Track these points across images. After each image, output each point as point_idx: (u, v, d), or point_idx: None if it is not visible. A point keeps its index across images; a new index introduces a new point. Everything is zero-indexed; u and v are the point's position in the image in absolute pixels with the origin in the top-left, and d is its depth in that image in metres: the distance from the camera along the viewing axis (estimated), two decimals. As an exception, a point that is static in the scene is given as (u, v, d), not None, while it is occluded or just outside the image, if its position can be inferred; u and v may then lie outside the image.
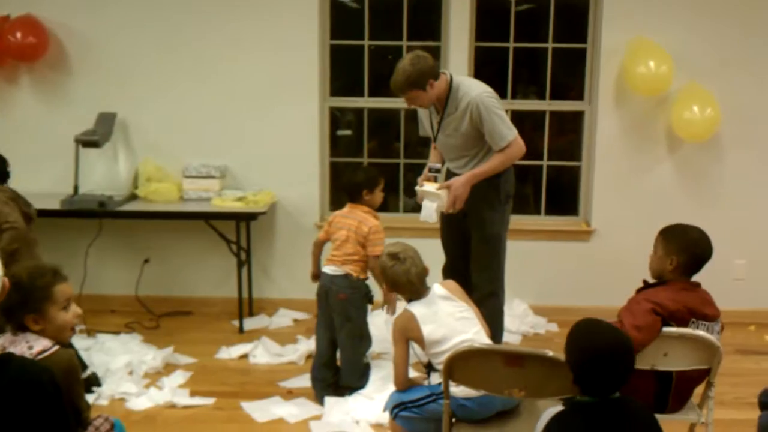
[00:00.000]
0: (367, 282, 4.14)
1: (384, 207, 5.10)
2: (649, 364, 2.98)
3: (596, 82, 5.37)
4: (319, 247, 4.30)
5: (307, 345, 4.79)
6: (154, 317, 5.34)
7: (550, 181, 5.61)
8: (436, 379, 3.40)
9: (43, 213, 5.02)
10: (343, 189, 4.34)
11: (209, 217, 5.14)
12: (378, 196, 4.22)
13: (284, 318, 5.38)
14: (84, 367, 4.16)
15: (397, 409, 3.14)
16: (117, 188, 5.32)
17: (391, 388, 3.86)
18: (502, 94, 4.18)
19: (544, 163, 5.56)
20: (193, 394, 4.21)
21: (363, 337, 4.16)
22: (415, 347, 3.26)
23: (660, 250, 3.17)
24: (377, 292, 4.19)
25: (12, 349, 2.43)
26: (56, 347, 2.52)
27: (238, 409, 4.06)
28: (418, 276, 3.26)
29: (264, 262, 5.56)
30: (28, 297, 2.51)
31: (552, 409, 2.31)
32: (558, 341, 4.94)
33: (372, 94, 5.56)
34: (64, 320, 2.59)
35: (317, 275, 4.25)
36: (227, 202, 5.13)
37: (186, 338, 4.99)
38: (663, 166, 5.39)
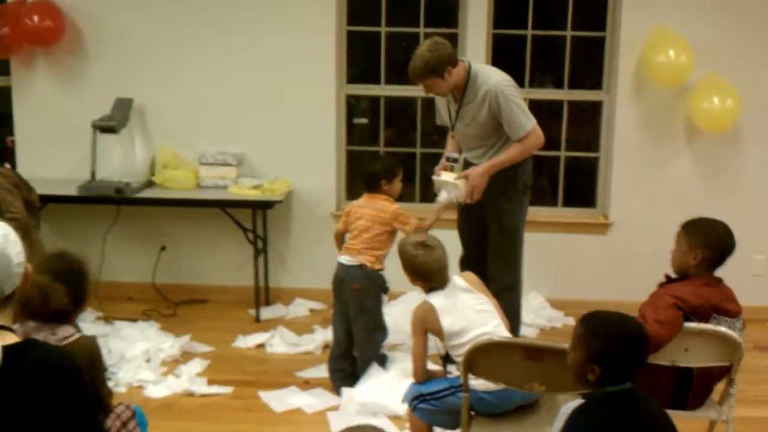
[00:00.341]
0: (382, 272, 4.12)
1: (400, 196, 5.10)
2: (669, 359, 2.96)
3: (615, 71, 5.32)
4: (340, 238, 4.28)
5: (324, 335, 4.79)
6: (171, 305, 5.35)
7: (567, 172, 5.57)
8: (453, 371, 3.40)
9: (60, 199, 5.07)
10: (361, 178, 4.32)
11: (226, 205, 5.14)
12: (396, 186, 4.21)
13: (300, 308, 5.37)
14: None
15: (416, 401, 3.13)
16: (134, 175, 5.32)
17: (409, 379, 3.89)
18: (519, 83, 4.15)
19: (562, 153, 5.52)
20: (210, 382, 4.22)
21: (378, 328, 4.15)
22: (433, 339, 3.24)
23: (683, 245, 3.14)
24: (394, 282, 4.18)
25: (35, 336, 2.45)
26: (79, 334, 2.54)
27: (255, 399, 4.07)
28: (446, 263, 3.25)
29: (280, 250, 5.55)
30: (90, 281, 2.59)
31: (571, 403, 2.30)
32: (575, 334, 4.93)
33: (388, 81, 5.53)
34: None
35: None
36: (244, 190, 5.13)
37: (203, 326, 5.00)
38: (682, 157, 5.34)
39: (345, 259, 4.11)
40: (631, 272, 5.24)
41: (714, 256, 3.07)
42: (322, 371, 4.32)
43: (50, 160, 5.39)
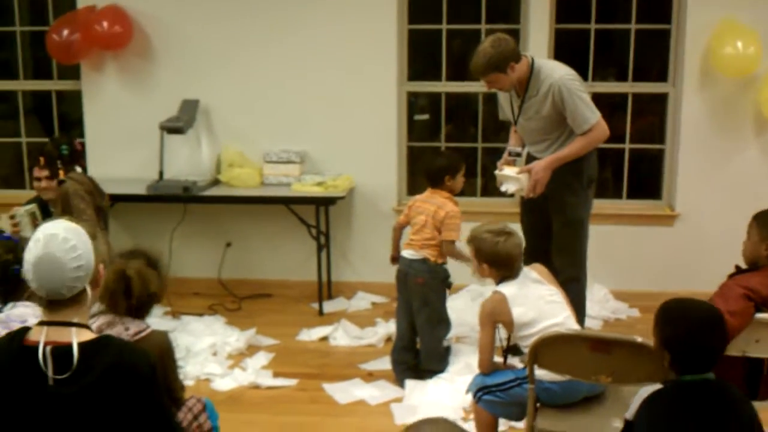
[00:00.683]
0: (446, 266, 4.13)
1: (461, 191, 5.10)
2: (740, 350, 2.92)
3: (681, 63, 5.23)
4: (398, 231, 4.31)
5: (386, 328, 4.82)
6: (236, 299, 5.45)
7: (631, 164, 5.50)
8: (516, 363, 3.40)
9: (130, 198, 5.22)
10: (425, 174, 4.33)
11: (289, 202, 5.22)
12: (459, 181, 4.21)
13: (362, 301, 5.42)
14: None
15: (480, 392, 3.13)
16: (200, 174, 5.44)
17: (473, 372, 3.90)
18: (583, 77, 4.12)
19: (626, 146, 5.46)
20: (275, 375, 4.29)
21: (441, 321, 4.16)
22: (498, 331, 3.23)
23: (755, 236, 3.09)
24: (457, 275, 4.19)
25: (109, 331, 2.51)
26: (151, 328, 2.60)
27: (320, 391, 4.13)
28: (523, 251, 3.23)
29: (342, 245, 5.61)
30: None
31: (649, 387, 2.29)
32: (640, 327, 4.88)
33: (449, 78, 5.53)
34: None
35: (396, 258, 4.27)
36: (307, 187, 5.20)
37: (267, 320, 5.08)
38: (750, 148, 5.23)
39: (408, 253, 4.13)
40: (698, 264, 5.16)
41: (786, 246, 3.01)
42: (384, 363, 4.35)
43: (120, 160, 5.55)
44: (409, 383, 4.05)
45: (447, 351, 4.24)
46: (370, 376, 4.28)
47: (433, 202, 4.12)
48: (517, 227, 4.31)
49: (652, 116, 5.61)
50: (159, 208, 5.43)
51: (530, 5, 5.25)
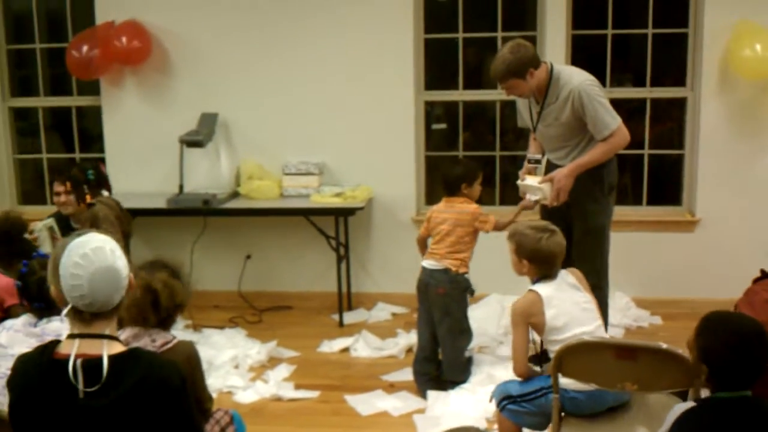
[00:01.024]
0: (467, 276, 4.12)
1: (480, 200, 5.08)
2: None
3: (699, 67, 5.21)
4: (422, 243, 4.30)
5: (407, 339, 4.81)
6: (256, 312, 5.47)
7: (651, 170, 5.47)
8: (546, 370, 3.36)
9: (150, 212, 5.25)
10: (442, 182, 4.33)
11: (308, 213, 5.23)
12: (476, 189, 4.20)
13: (383, 312, 5.42)
14: None
15: (504, 401, 3.10)
16: (220, 186, 5.47)
17: (495, 382, 3.87)
18: (600, 83, 4.11)
19: (646, 152, 5.43)
20: (297, 387, 4.29)
21: (463, 332, 4.15)
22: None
23: (778, 240, 3.06)
24: (478, 285, 4.18)
25: (135, 344, 2.51)
26: (177, 339, 2.61)
27: (342, 402, 4.12)
28: (565, 250, 3.18)
29: (362, 256, 5.61)
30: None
31: (683, 404, 2.24)
32: (663, 334, 4.84)
33: (466, 86, 5.54)
34: None
35: None
36: (326, 198, 5.21)
37: (288, 332, 5.09)
38: (771, 152, 5.20)
39: (429, 263, 4.12)
40: (720, 270, 5.13)
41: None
42: (406, 374, 4.34)
43: (140, 174, 5.59)
44: (432, 394, 4.04)
45: (469, 361, 4.22)
46: (391, 388, 4.26)
47: (451, 210, 4.12)
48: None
49: (671, 121, 5.58)
50: (179, 221, 5.46)
51: (546, 12, 5.25)
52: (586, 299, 3.14)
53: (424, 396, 4.08)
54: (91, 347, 1.97)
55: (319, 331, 5.11)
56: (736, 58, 4.99)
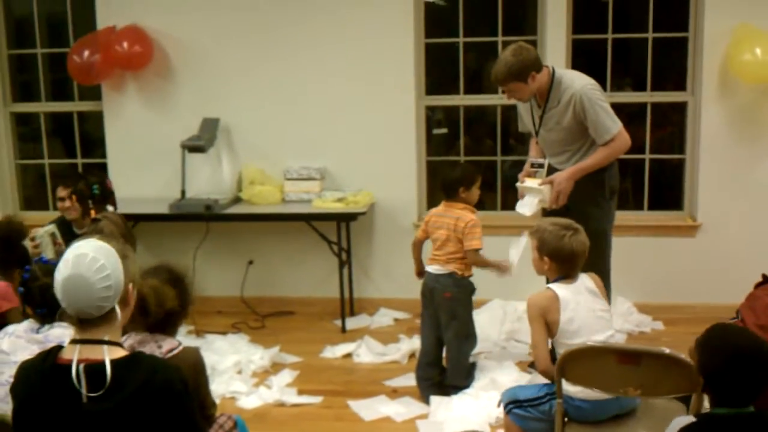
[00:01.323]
0: (472, 279, 4.13)
1: (481, 205, 5.09)
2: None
3: (699, 71, 5.22)
4: (418, 246, 4.30)
5: (410, 344, 4.81)
6: (259, 317, 5.47)
7: (652, 175, 5.47)
8: (537, 377, 3.35)
9: (152, 217, 5.26)
10: (441, 186, 4.33)
11: (310, 219, 5.24)
12: (475, 193, 4.19)
13: (385, 317, 5.42)
14: None
15: (511, 405, 3.11)
16: (222, 192, 5.47)
17: (498, 387, 3.89)
18: (601, 87, 4.14)
19: (647, 156, 5.44)
20: (300, 392, 4.29)
21: (469, 336, 4.15)
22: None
23: (779, 245, 3.06)
24: (482, 290, 4.18)
25: (141, 349, 2.51)
26: (182, 345, 2.61)
27: (345, 408, 4.12)
28: (587, 251, 3.13)
29: (363, 261, 5.62)
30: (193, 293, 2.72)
31: (682, 418, 2.22)
32: (665, 339, 4.85)
33: (467, 91, 5.55)
34: None
35: (422, 272, 4.26)
36: (327, 203, 5.21)
37: (291, 338, 5.09)
38: (771, 156, 5.21)
39: (434, 268, 4.12)
40: (722, 274, 5.13)
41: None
42: (409, 380, 4.34)
43: (141, 180, 5.59)
44: (435, 399, 4.04)
45: (473, 366, 4.22)
46: (394, 393, 4.26)
47: (450, 215, 4.11)
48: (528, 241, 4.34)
49: (672, 126, 5.59)
50: (181, 227, 5.47)
51: (547, 16, 5.26)
52: (603, 307, 3.11)
53: (427, 401, 4.08)
54: (93, 352, 1.97)
55: (322, 336, 5.12)
56: (736, 63, 5.00)
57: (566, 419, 2.98)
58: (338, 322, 5.30)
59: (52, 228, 4.21)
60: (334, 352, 4.84)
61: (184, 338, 4.91)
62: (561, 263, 3.09)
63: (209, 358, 4.58)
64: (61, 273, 1.98)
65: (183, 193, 5.32)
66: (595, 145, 3.99)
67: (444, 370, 4.20)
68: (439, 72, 5.70)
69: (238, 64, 5.49)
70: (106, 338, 2.00)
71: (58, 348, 2.03)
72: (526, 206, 4.11)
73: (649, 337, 4.98)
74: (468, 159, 5.59)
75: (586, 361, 2.82)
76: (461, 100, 5.58)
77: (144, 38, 5.46)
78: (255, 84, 5.50)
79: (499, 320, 5.01)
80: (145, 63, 5.49)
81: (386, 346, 4.88)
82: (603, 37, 5.37)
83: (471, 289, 4.12)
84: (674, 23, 5.32)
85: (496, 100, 5.45)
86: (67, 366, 1.95)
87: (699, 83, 5.22)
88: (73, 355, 1.96)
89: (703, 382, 2.22)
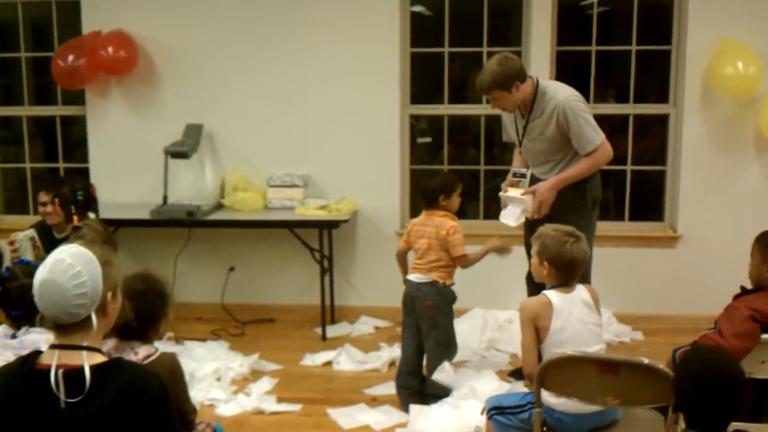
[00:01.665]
0: (453, 287, 4.13)
1: (464, 214, 5.10)
2: (746, 372, 2.88)
3: (681, 84, 5.27)
4: (402, 257, 4.30)
5: (390, 352, 4.81)
6: (239, 324, 5.45)
7: (633, 186, 5.51)
8: (520, 387, 3.36)
9: (134, 223, 5.23)
10: (421, 195, 4.34)
11: (293, 226, 5.22)
12: (455, 201, 4.19)
13: (366, 325, 5.42)
14: None
15: (494, 411, 3.11)
16: (204, 198, 5.46)
17: (478, 396, 3.89)
18: (584, 98, 4.17)
19: (628, 167, 5.48)
20: (280, 400, 4.27)
21: (450, 345, 4.15)
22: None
23: (757, 258, 3.09)
24: (463, 299, 4.19)
25: (116, 356, 2.50)
26: (159, 352, 2.60)
27: (324, 416, 4.10)
28: (588, 260, 3.13)
29: (345, 269, 5.61)
30: (168, 302, 2.69)
31: None
32: (644, 350, 4.87)
33: (451, 101, 5.57)
34: None
35: None
36: (310, 211, 5.21)
37: (270, 345, 5.07)
38: (751, 169, 5.26)
39: (415, 276, 4.12)
40: (701, 285, 5.17)
41: (786, 267, 3.00)
42: (389, 388, 4.33)
43: (124, 185, 5.56)
44: (414, 408, 4.02)
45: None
46: (374, 401, 4.26)
47: (431, 224, 4.11)
48: (520, 249, 4.36)
49: (654, 138, 5.63)
50: (163, 232, 5.44)
51: (531, 28, 5.29)
52: (595, 320, 3.11)
53: (406, 410, 4.07)
54: (72, 358, 1.96)
55: (302, 344, 5.10)
56: (718, 76, 5.06)
57: (545, 429, 2.98)
58: (319, 330, 5.28)
59: (31, 232, 4.18)
60: (314, 359, 4.83)
61: (163, 344, 4.89)
62: (560, 270, 3.09)
63: (188, 365, 4.56)
64: (38, 277, 1.97)
65: (165, 198, 5.30)
66: (577, 155, 4.01)
67: (424, 379, 4.19)
68: (424, 81, 5.72)
69: (223, 70, 5.49)
70: (85, 344, 1.99)
71: (37, 353, 2.02)
72: (510, 216, 4.13)
73: (629, 347, 5.01)
74: (451, 168, 5.60)
75: (565, 370, 2.83)
76: (446, 109, 5.60)
77: (129, 43, 5.44)
78: (239, 91, 5.49)
79: (479, 329, 5.02)
80: (129, 68, 5.48)
81: (367, 354, 4.88)
82: (587, 49, 5.41)
83: (452, 298, 4.12)
84: (657, 36, 5.37)
85: (480, 110, 5.48)
86: (46, 371, 1.93)
87: (681, 96, 5.27)
88: (52, 360, 1.94)
89: (676, 402, 2.23)
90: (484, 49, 5.43)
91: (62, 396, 1.91)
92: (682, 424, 2.25)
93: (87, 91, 5.64)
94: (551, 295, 3.06)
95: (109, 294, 2.05)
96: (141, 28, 5.47)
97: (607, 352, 4.79)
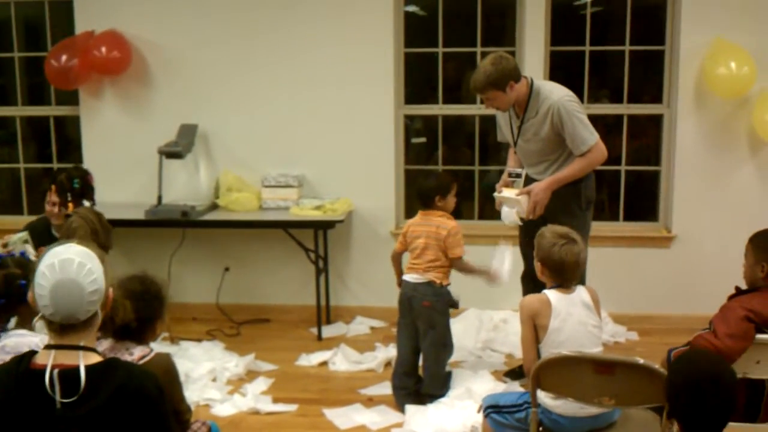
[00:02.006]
0: (450, 288, 4.13)
1: (459, 214, 5.10)
2: (741, 372, 2.90)
3: (675, 84, 5.28)
4: (397, 258, 4.30)
5: (386, 352, 4.81)
6: (234, 325, 5.44)
7: (627, 186, 5.52)
8: (516, 386, 3.36)
9: (128, 223, 5.21)
10: (417, 195, 4.34)
11: (288, 226, 5.22)
12: (451, 201, 4.20)
13: (361, 326, 5.42)
14: None
15: (490, 410, 3.12)
16: (199, 198, 5.45)
17: (474, 397, 3.90)
18: (578, 98, 4.19)
19: (623, 168, 5.49)
20: (275, 400, 4.27)
21: (446, 345, 4.16)
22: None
23: (750, 258, 3.10)
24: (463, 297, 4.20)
25: (111, 356, 2.50)
26: (154, 352, 2.60)
27: (320, 416, 4.10)
28: (583, 262, 3.14)
29: (340, 269, 5.61)
30: (165, 304, 2.68)
31: None
32: (640, 350, 4.88)
33: (445, 101, 5.57)
34: None
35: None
36: (305, 211, 5.20)
37: (266, 345, 5.07)
38: (745, 168, 5.27)
39: (412, 277, 4.12)
40: (696, 285, 5.19)
41: (780, 267, 3.01)
42: (385, 388, 4.33)
43: (118, 185, 5.54)
44: (410, 408, 4.03)
45: (449, 376, 4.23)
46: (370, 401, 4.26)
47: (429, 224, 4.12)
48: (516, 250, 4.37)
49: (648, 138, 5.64)
50: (157, 233, 5.43)
51: (525, 28, 5.29)
52: (595, 322, 3.11)
53: (402, 410, 4.08)
54: (68, 358, 1.96)
55: (298, 344, 5.10)
56: (712, 76, 5.07)
57: (541, 429, 2.99)
58: (314, 330, 5.28)
59: (25, 235, 4.17)
60: (310, 360, 4.83)
61: (158, 345, 4.89)
62: (552, 271, 3.12)
63: (183, 366, 4.58)
64: (50, 279, 1.96)
65: (159, 199, 5.29)
66: (572, 155, 4.02)
67: (420, 379, 4.20)
68: (418, 81, 5.72)
69: (217, 70, 5.48)
70: (82, 343, 1.99)
71: (32, 353, 2.01)
72: (505, 217, 4.13)
73: (624, 347, 5.02)
74: (446, 168, 5.61)
75: (561, 370, 2.84)
76: (440, 109, 5.60)
77: (122, 43, 5.43)
78: (233, 91, 5.49)
79: (475, 329, 5.02)
80: (123, 68, 5.46)
81: (362, 354, 4.88)
82: (581, 49, 5.42)
83: (449, 299, 4.12)
84: (651, 37, 5.38)
85: (475, 110, 5.49)
86: (41, 371, 1.93)
87: (675, 96, 5.28)
88: (48, 360, 1.94)
89: (670, 410, 2.23)
90: (478, 49, 5.44)
91: (58, 396, 1.91)
92: (676, 427, 2.25)
93: (80, 91, 5.63)
94: (550, 294, 3.08)
95: (110, 290, 2.08)
96: (134, 28, 5.46)
97: (603, 352, 4.86)
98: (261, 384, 4.47)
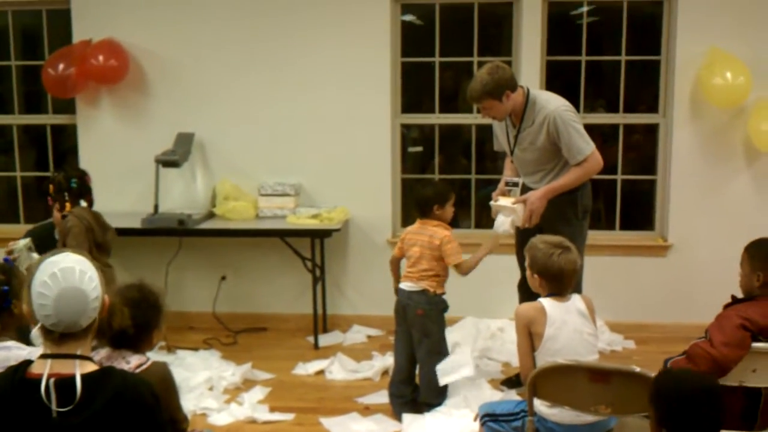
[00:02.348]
0: (444, 297, 4.14)
1: (456, 223, 5.10)
2: (737, 380, 2.92)
3: (671, 94, 5.30)
4: (395, 264, 4.31)
5: (383, 361, 4.81)
6: (231, 333, 5.44)
7: (623, 195, 5.54)
8: (513, 395, 3.36)
9: (125, 231, 5.19)
10: (415, 204, 4.35)
11: (284, 235, 5.22)
12: (449, 211, 4.20)
13: (358, 334, 5.42)
14: None
15: (487, 418, 3.12)
16: (195, 207, 5.46)
17: (470, 405, 3.89)
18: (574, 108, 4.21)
19: (618, 177, 5.51)
20: (272, 409, 4.26)
21: (442, 353, 4.15)
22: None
23: (746, 267, 3.10)
24: (455, 307, 4.19)
25: (108, 364, 2.49)
26: (151, 361, 2.60)
27: (317, 425, 4.09)
28: (579, 270, 3.14)
29: (337, 278, 5.61)
30: (162, 312, 2.69)
31: None
32: (636, 358, 4.88)
33: (442, 110, 5.59)
34: None
35: None
36: (302, 219, 5.21)
37: (263, 354, 5.07)
38: (741, 178, 5.29)
39: (406, 285, 4.13)
40: (692, 294, 5.20)
41: (776, 276, 3.02)
42: (382, 397, 4.33)
43: (115, 194, 5.54)
44: (407, 417, 4.03)
45: (445, 384, 4.22)
46: (367, 410, 4.25)
47: (424, 233, 4.12)
48: (512, 258, 4.38)
49: (643, 147, 5.66)
50: (154, 241, 5.43)
51: (522, 38, 5.32)
52: (590, 330, 3.11)
53: (399, 419, 4.07)
54: (64, 367, 1.96)
55: (295, 353, 5.10)
56: (707, 86, 5.09)
57: (536, 437, 3.00)
58: (311, 339, 5.28)
59: (28, 242, 4.18)
60: (307, 368, 4.82)
61: (155, 354, 4.86)
62: (550, 281, 3.11)
63: (180, 375, 4.56)
64: (53, 288, 1.96)
65: (156, 207, 5.29)
66: (568, 165, 4.03)
67: (417, 388, 4.19)
68: (415, 91, 5.74)
69: (214, 79, 5.50)
70: (78, 352, 2.00)
71: (27, 362, 2.01)
72: (501, 225, 4.14)
73: (621, 356, 5.02)
74: (443, 177, 5.62)
75: (557, 379, 2.84)
76: (437, 118, 5.62)
77: (120, 52, 5.44)
78: (230, 99, 5.50)
79: (471, 338, 5.01)
80: (120, 77, 5.47)
81: (359, 363, 4.88)
82: (577, 59, 5.44)
83: (443, 307, 4.12)
84: (647, 46, 5.41)
85: (471, 119, 5.50)
86: (37, 380, 1.93)
87: (671, 105, 5.31)
88: (44, 369, 1.95)
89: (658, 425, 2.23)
90: (475, 59, 5.46)
91: (54, 405, 1.91)
92: None
93: (77, 99, 5.64)
94: (545, 302, 3.08)
95: (106, 297, 2.09)
96: (131, 37, 5.47)
97: (599, 360, 4.86)
98: (258, 393, 4.46)
